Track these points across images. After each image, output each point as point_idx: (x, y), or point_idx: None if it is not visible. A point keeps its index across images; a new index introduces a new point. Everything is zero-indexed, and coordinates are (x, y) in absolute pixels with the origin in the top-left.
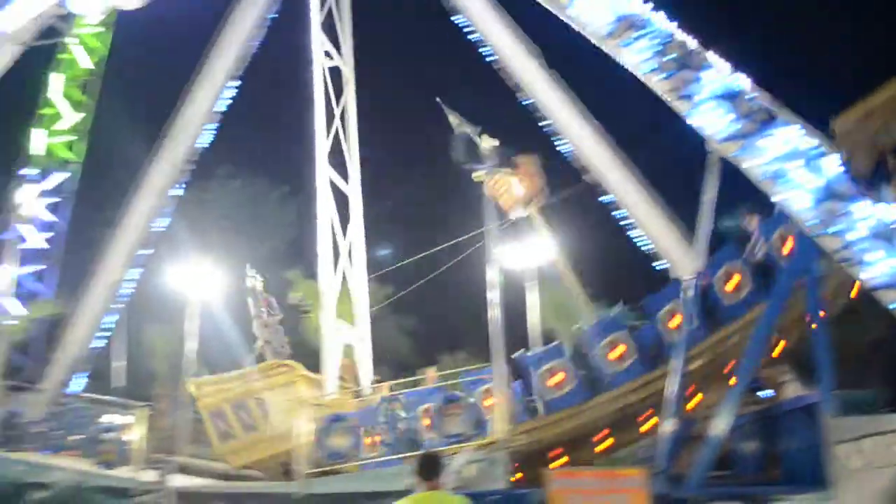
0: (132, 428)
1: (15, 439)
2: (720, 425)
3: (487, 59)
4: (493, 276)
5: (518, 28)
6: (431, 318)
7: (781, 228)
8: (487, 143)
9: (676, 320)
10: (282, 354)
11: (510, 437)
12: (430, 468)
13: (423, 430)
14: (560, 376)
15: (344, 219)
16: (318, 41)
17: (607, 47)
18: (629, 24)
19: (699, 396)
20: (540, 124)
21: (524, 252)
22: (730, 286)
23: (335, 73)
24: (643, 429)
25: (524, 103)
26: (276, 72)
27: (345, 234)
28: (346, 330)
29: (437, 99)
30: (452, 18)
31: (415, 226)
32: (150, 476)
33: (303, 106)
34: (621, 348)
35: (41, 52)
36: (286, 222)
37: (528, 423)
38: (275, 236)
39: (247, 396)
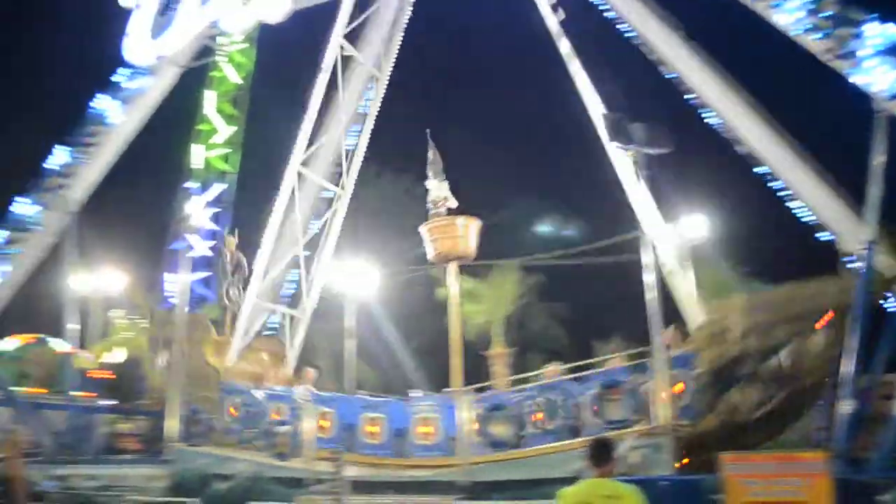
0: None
1: (198, 434)
2: None
3: (626, 34)
4: (648, 258)
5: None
6: (582, 304)
7: None
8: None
9: None
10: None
11: (674, 423)
12: (601, 454)
13: (584, 416)
14: None
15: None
16: None
17: (758, 9)
18: None
19: None
20: (685, 97)
21: (677, 232)
22: None
23: None
24: None
25: (667, 77)
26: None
27: None
28: None
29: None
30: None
31: (563, 212)
32: (323, 467)
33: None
34: None
35: (195, 72)
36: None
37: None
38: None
39: None
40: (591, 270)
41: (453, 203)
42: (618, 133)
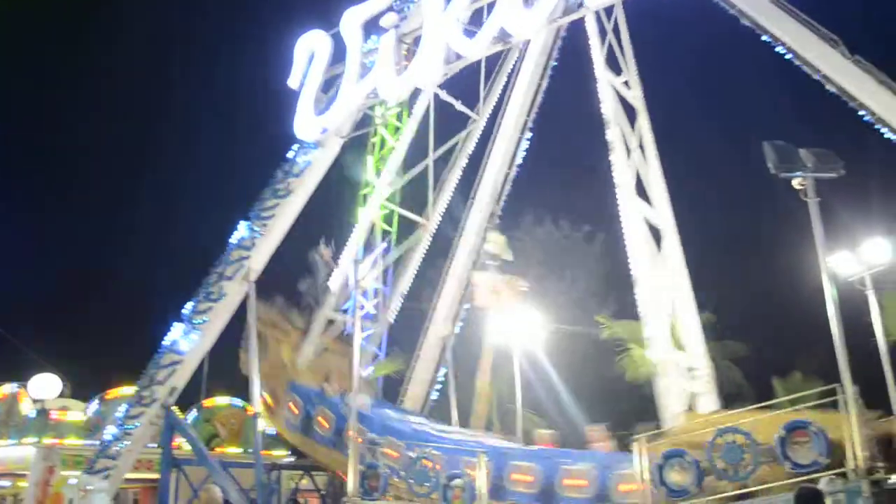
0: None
1: (375, 489)
2: None
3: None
4: (829, 288)
5: (808, 18)
6: (761, 342)
7: None
8: None
9: None
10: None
11: (870, 465)
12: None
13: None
14: None
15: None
16: (604, 79)
17: None
18: None
19: None
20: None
21: (860, 257)
22: None
23: (627, 106)
24: None
25: (831, 93)
26: (568, 114)
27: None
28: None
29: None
30: (742, 21)
31: (735, 248)
32: None
33: (598, 144)
34: None
35: (355, 139)
36: (594, 261)
37: None
38: (586, 277)
39: None
40: (769, 304)
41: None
42: (784, 161)
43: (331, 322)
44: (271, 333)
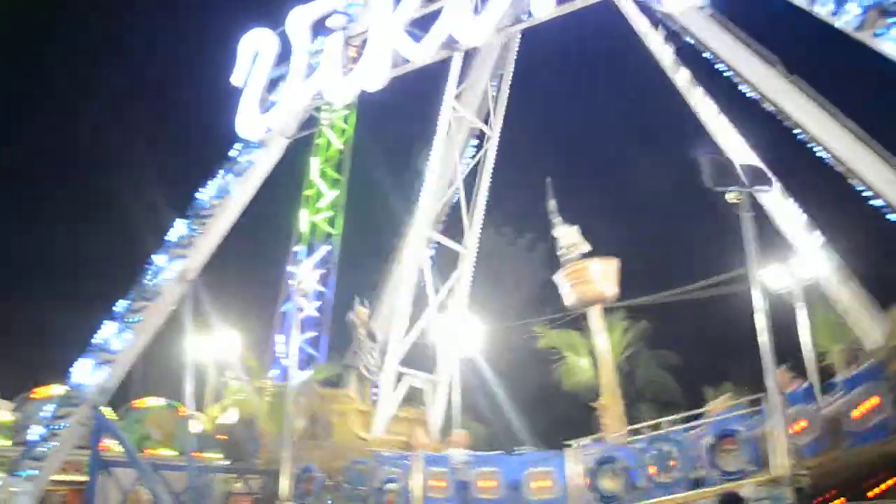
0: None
1: (309, 493)
2: None
3: (724, 73)
4: (758, 300)
5: (750, 38)
6: (691, 351)
7: None
8: None
9: None
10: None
11: (794, 472)
12: None
13: (697, 469)
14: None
15: None
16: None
17: (864, 39)
18: (880, 12)
19: None
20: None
21: (790, 271)
22: None
23: None
24: None
25: (769, 111)
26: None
27: None
28: None
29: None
30: (685, 39)
31: (670, 260)
32: None
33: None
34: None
35: (300, 141)
36: (535, 269)
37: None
38: (527, 284)
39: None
40: (699, 313)
41: (586, 247)
42: (719, 175)
43: (362, 379)
44: (331, 410)
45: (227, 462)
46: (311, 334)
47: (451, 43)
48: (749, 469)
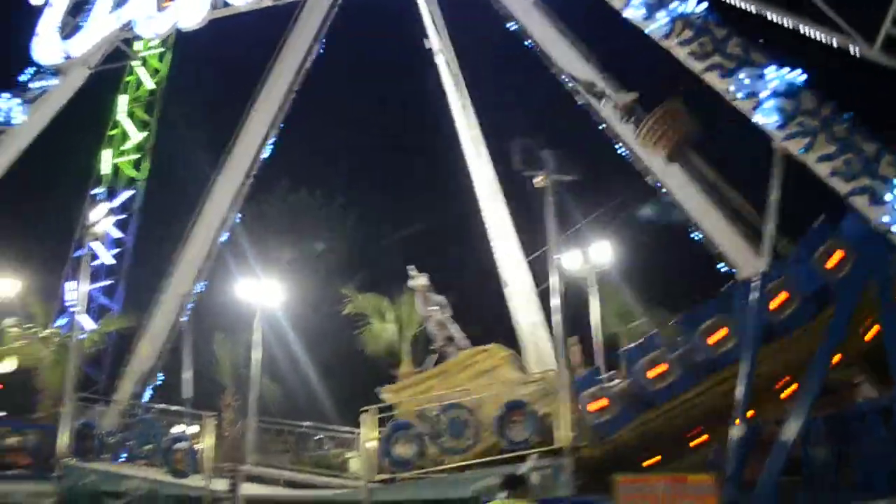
0: (201, 437)
1: (90, 450)
2: (791, 430)
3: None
4: (555, 282)
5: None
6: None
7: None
8: (627, 97)
9: (719, 334)
10: (465, 347)
11: (575, 444)
12: (514, 484)
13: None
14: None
15: None
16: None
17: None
18: (685, 24)
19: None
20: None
21: (586, 257)
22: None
23: None
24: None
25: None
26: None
27: None
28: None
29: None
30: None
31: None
32: (220, 484)
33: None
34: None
35: (107, 76)
36: (345, 234)
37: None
38: (339, 248)
39: (450, 390)
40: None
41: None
42: (527, 159)
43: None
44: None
45: (1, 414)
46: (105, 283)
47: None
48: (532, 440)
